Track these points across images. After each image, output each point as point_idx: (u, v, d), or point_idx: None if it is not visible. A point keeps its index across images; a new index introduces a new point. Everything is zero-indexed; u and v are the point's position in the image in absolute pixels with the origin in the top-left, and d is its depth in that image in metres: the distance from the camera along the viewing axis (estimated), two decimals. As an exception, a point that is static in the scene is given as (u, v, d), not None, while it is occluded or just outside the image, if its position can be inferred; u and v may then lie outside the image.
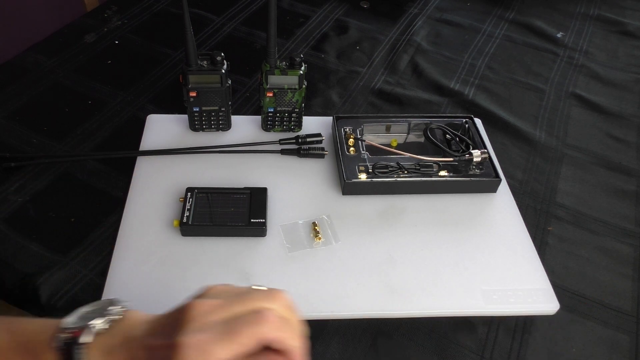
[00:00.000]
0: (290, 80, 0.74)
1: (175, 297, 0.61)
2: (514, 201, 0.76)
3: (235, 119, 0.82)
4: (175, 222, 0.66)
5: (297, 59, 0.73)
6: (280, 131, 0.82)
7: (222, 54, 0.72)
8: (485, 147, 0.77)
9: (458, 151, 0.76)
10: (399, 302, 0.62)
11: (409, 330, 0.62)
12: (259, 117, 0.82)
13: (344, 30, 1.08)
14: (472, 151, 0.74)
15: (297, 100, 0.77)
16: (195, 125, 0.79)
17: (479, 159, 0.74)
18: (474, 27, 1.13)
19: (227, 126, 0.81)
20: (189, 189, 0.69)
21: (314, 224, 0.69)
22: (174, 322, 0.38)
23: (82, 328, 0.40)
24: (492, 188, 0.75)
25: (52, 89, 0.88)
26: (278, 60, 0.73)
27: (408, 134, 0.82)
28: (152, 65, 0.94)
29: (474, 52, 1.06)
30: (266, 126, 0.81)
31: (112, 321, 0.41)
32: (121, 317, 0.42)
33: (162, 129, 0.81)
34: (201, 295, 0.43)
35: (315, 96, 0.92)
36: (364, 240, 0.68)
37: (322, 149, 0.78)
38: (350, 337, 0.61)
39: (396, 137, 0.81)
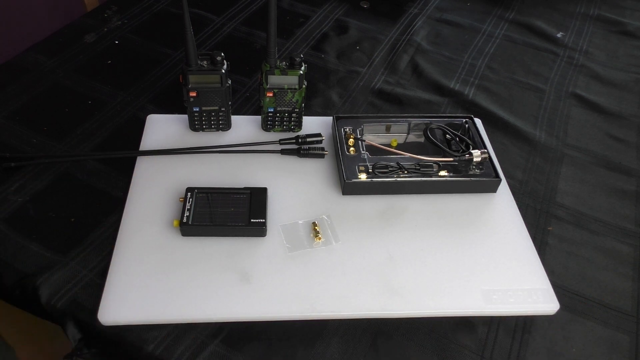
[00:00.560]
0: (290, 80, 0.74)
1: (175, 297, 0.61)
2: (514, 201, 0.76)
3: (235, 119, 0.82)
4: (175, 222, 0.66)
5: (297, 59, 0.73)
6: (280, 131, 0.81)
7: (222, 54, 0.72)
8: (485, 147, 0.77)
9: (458, 151, 0.76)
10: (399, 302, 0.62)
11: (409, 330, 0.62)
12: (259, 117, 0.82)
13: (344, 30, 1.08)
14: (472, 151, 0.74)
15: (297, 100, 0.77)
16: (195, 125, 0.79)
17: (479, 159, 0.74)
18: (474, 27, 1.13)
19: (227, 126, 0.81)
20: (189, 189, 0.69)
21: (314, 224, 0.69)
22: None
23: None
24: (492, 188, 0.75)
25: (52, 89, 0.88)
26: (278, 60, 0.73)
27: (408, 134, 0.82)
28: (152, 65, 0.94)
29: (474, 52, 1.06)
30: (266, 126, 0.81)
31: None
32: None
33: (162, 129, 0.81)
34: None
35: (315, 96, 0.92)
36: (364, 240, 0.68)
37: (322, 149, 0.78)
38: (350, 337, 0.61)
39: (396, 137, 0.81)
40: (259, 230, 0.67)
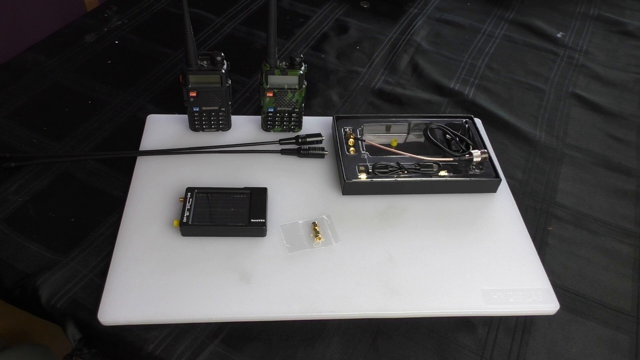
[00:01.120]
0: (290, 80, 0.74)
1: (175, 297, 0.61)
2: (514, 201, 0.76)
3: (235, 119, 0.82)
4: (175, 222, 0.66)
5: (297, 59, 0.73)
6: (280, 131, 0.81)
7: (222, 54, 0.72)
8: (485, 147, 0.77)
9: (458, 151, 0.76)
10: (399, 302, 0.62)
11: (409, 330, 0.62)
12: (259, 117, 0.82)
13: (344, 30, 1.08)
14: (472, 151, 0.74)
15: (297, 100, 0.77)
16: (195, 125, 0.79)
17: (479, 159, 0.74)
18: (474, 27, 1.13)
19: (227, 126, 0.81)
20: (189, 189, 0.69)
21: (314, 224, 0.69)
22: None
23: None
24: (492, 188, 0.75)
25: (52, 89, 0.88)
26: (278, 60, 0.73)
27: (408, 134, 0.82)
28: (152, 65, 0.94)
29: (474, 52, 1.06)
30: (266, 126, 0.81)
31: None
32: None
33: (162, 129, 0.81)
34: None
35: (315, 96, 0.92)
36: (364, 240, 0.68)
37: (322, 149, 0.78)
38: (350, 337, 0.61)
39: (396, 137, 0.81)
40: (259, 230, 0.67)
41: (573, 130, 0.91)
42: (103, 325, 0.59)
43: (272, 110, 0.78)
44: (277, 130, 0.81)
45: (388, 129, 0.81)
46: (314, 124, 0.83)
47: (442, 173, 0.74)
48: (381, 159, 0.75)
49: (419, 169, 0.73)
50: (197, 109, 0.77)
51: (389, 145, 0.78)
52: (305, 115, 0.81)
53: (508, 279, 0.66)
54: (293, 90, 0.75)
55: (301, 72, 0.74)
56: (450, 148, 0.77)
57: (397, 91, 0.95)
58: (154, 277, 0.62)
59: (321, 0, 1.15)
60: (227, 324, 0.61)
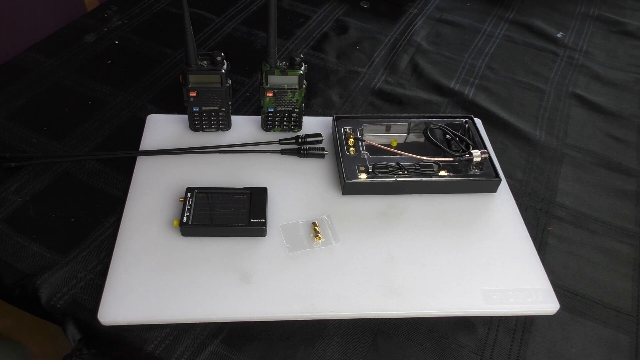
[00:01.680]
0: (290, 80, 0.74)
1: (175, 297, 0.61)
2: (514, 201, 0.76)
3: (235, 119, 0.82)
4: (175, 222, 0.66)
5: (297, 59, 0.73)
6: (280, 131, 0.81)
7: (222, 54, 0.72)
8: (485, 147, 0.77)
9: (458, 151, 0.76)
10: (399, 302, 0.62)
11: (409, 330, 0.62)
12: (259, 117, 0.82)
13: (344, 30, 1.08)
14: (472, 151, 0.74)
15: (297, 100, 0.77)
16: (195, 125, 0.79)
17: (479, 159, 0.74)
18: (474, 27, 1.13)
19: (227, 126, 0.81)
20: (189, 189, 0.69)
21: (314, 224, 0.69)
22: None
23: None
24: (492, 188, 0.75)
25: (52, 89, 0.88)
26: (278, 60, 0.73)
27: (408, 134, 0.82)
28: (152, 65, 0.94)
29: (474, 52, 1.06)
30: (266, 126, 0.81)
31: None
32: None
33: (162, 129, 0.81)
34: None
35: (315, 96, 0.92)
36: (364, 240, 0.68)
37: (322, 149, 0.78)
38: (350, 337, 0.61)
39: (396, 137, 0.81)
40: (259, 230, 0.67)
41: (573, 130, 0.91)
42: (103, 325, 0.59)
43: (272, 110, 0.78)
44: (277, 130, 0.81)
45: (388, 129, 0.81)
46: (314, 124, 0.83)
47: (442, 173, 0.74)
48: (381, 159, 0.75)
49: (419, 169, 0.73)
50: (197, 109, 0.77)
51: (389, 145, 0.78)
52: (305, 115, 0.81)
53: (508, 279, 0.66)
54: (293, 90, 0.75)
55: (301, 72, 0.74)
56: (450, 148, 0.77)
57: (397, 91, 0.95)
58: (154, 277, 0.62)
59: (321, 0, 1.15)
60: (227, 324, 0.61)
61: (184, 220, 0.66)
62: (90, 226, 0.69)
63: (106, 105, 0.86)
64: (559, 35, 1.13)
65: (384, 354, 0.60)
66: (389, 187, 0.73)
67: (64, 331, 0.61)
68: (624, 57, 1.09)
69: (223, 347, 0.59)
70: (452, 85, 0.97)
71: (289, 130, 0.81)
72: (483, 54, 1.06)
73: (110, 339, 0.59)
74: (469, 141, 0.77)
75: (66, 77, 0.90)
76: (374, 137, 0.80)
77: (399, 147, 0.79)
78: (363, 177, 0.72)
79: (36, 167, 0.75)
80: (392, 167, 0.73)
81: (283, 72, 0.73)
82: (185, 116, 0.79)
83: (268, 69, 0.73)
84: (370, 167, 0.73)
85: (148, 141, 0.78)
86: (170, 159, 0.76)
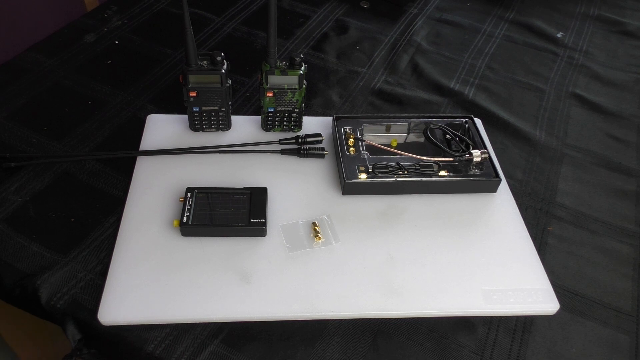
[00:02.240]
0: (290, 80, 0.74)
1: (175, 297, 0.61)
2: (514, 201, 0.76)
3: (235, 119, 0.82)
4: (175, 222, 0.66)
5: (297, 59, 0.73)
6: (280, 131, 0.81)
7: (222, 54, 0.72)
8: (485, 147, 0.77)
9: (458, 151, 0.76)
10: (399, 302, 0.62)
11: (409, 330, 0.62)
12: (259, 117, 0.82)
13: (344, 30, 1.08)
14: (472, 151, 0.74)
15: (297, 100, 0.77)
16: (195, 125, 0.79)
17: (479, 159, 0.74)
18: (474, 27, 1.13)
19: (227, 126, 0.81)
20: (189, 189, 0.69)
21: (314, 224, 0.69)
22: None
23: None
24: (492, 188, 0.75)
25: (52, 89, 0.88)
26: (278, 60, 0.73)
27: (408, 134, 0.82)
28: (152, 65, 0.94)
29: (474, 52, 1.06)
30: (266, 126, 0.81)
31: None
32: None
33: (162, 129, 0.81)
34: None
35: (315, 96, 0.92)
36: (364, 240, 0.68)
37: (322, 149, 0.78)
38: (350, 337, 0.61)
39: (396, 137, 0.81)
40: (259, 230, 0.67)
41: (573, 130, 0.91)
42: (103, 325, 0.59)
43: (272, 110, 0.78)
44: (277, 130, 0.81)
45: (388, 129, 0.81)
46: (314, 124, 0.83)
47: (442, 173, 0.74)
48: (381, 159, 0.75)
49: (419, 169, 0.73)
50: (197, 109, 0.77)
51: (389, 145, 0.78)
52: (305, 115, 0.81)
53: (508, 279, 0.66)
54: (293, 90, 0.75)
55: (301, 72, 0.74)
56: (450, 148, 0.77)
57: (397, 91, 0.95)
58: (154, 277, 0.62)
59: (321, 0, 1.15)
60: (227, 324, 0.61)
61: (184, 220, 0.66)
62: (90, 226, 0.69)
63: (106, 105, 0.86)
64: (559, 35, 1.13)
65: (384, 354, 0.60)
66: (389, 187, 0.73)
67: (64, 331, 0.61)
68: (624, 57, 1.09)
69: (223, 347, 0.59)
70: (452, 85, 0.97)
71: (289, 130, 0.81)
72: (483, 54, 1.06)
73: (110, 339, 0.59)
74: (469, 141, 0.77)
75: (66, 77, 0.90)
76: (374, 137, 0.80)
77: (399, 147, 0.79)
78: (363, 177, 0.72)
79: (36, 167, 0.75)
80: (392, 167, 0.73)
81: (283, 72, 0.73)
82: (185, 116, 0.79)
83: (268, 69, 0.73)
84: (370, 167, 0.73)
85: (148, 141, 0.78)
86: (170, 159, 0.76)
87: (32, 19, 0.98)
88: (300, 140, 0.78)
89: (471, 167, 0.75)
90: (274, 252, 0.66)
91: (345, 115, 0.81)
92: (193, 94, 0.74)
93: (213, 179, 0.74)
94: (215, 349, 0.58)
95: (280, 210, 0.71)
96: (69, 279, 0.63)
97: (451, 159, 0.74)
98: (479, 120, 0.87)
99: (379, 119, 0.81)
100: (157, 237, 0.66)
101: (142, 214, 0.69)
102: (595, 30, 1.16)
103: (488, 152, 0.75)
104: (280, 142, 0.79)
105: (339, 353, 0.59)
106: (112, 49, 0.97)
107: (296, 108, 0.78)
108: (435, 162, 0.74)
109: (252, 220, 0.67)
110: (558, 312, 0.64)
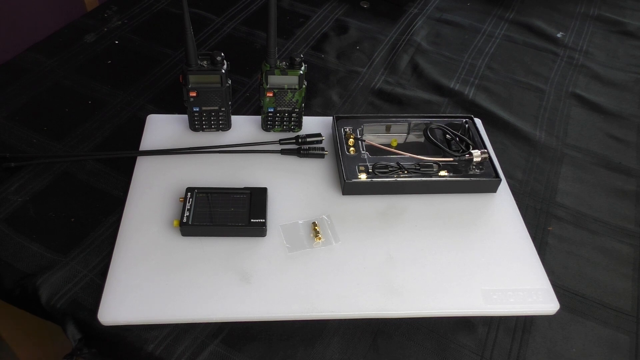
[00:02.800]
0: (290, 80, 0.74)
1: (175, 297, 0.61)
2: (514, 201, 0.76)
3: (235, 119, 0.82)
4: (175, 222, 0.66)
5: (297, 59, 0.73)
6: (280, 131, 0.81)
7: (222, 54, 0.72)
8: (485, 147, 0.77)
9: (458, 151, 0.76)
10: (399, 302, 0.62)
11: (409, 330, 0.62)
12: (259, 117, 0.82)
13: (344, 30, 1.08)
14: (472, 151, 0.74)
15: (297, 100, 0.77)
16: (195, 125, 0.79)
17: (479, 159, 0.74)
18: (474, 27, 1.13)
19: (227, 126, 0.81)
20: (189, 189, 0.69)
21: (314, 224, 0.69)
22: None
23: None
24: (492, 188, 0.75)
25: (52, 89, 0.88)
26: (278, 60, 0.73)
27: (408, 134, 0.82)
28: (152, 65, 0.94)
29: (474, 52, 1.06)
30: (266, 126, 0.81)
31: None
32: None
33: (162, 129, 0.81)
34: None
35: (315, 96, 0.92)
36: (364, 240, 0.68)
37: (322, 149, 0.78)
38: (350, 337, 0.61)
39: (396, 137, 0.81)
40: (259, 230, 0.67)
41: (573, 130, 0.91)
42: (103, 325, 0.59)
43: (272, 110, 0.78)
44: (277, 130, 0.81)
45: (388, 129, 0.81)
46: (314, 124, 0.83)
47: (442, 173, 0.74)
48: (381, 159, 0.75)
49: (419, 169, 0.73)
50: (197, 109, 0.77)
51: (389, 145, 0.78)
52: (305, 115, 0.81)
53: (508, 279, 0.66)
54: (293, 90, 0.75)
55: (301, 72, 0.74)
56: (450, 148, 0.77)
57: (397, 91, 0.95)
58: (154, 277, 0.62)
59: (321, 0, 1.15)
60: (227, 324, 0.61)
61: (184, 220, 0.66)
62: (90, 226, 0.69)
63: (106, 105, 0.86)
64: (559, 35, 1.13)
65: (384, 354, 0.60)
66: (389, 187, 0.73)
67: (64, 331, 0.61)
68: (624, 57, 1.09)
69: (223, 347, 0.59)
70: (452, 85, 0.97)
71: (289, 130, 0.81)
72: (483, 54, 1.06)
73: (110, 339, 0.59)
74: (469, 141, 0.77)
75: (66, 77, 0.90)
76: (374, 137, 0.80)
77: (399, 147, 0.79)
78: (363, 177, 0.72)
79: (36, 167, 0.75)
80: (392, 167, 0.73)
81: (283, 72, 0.73)
82: (185, 116, 0.79)
83: (268, 69, 0.73)
84: (370, 167, 0.73)
85: (148, 141, 0.78)
86: (170, 159, 0.76)
87: (32, 19, 0.98)
88: (300, 140, 0.78)
89: (471, 167, 0.75)
90: (274, 252, 0.66)
91: (345, 115, 0.81)
92: (193, 94, 0.74)
93: (213, 179, 0.74)
94: (215, 349, 0.58)
95: (280, 210, 0.71)
96: (69, 279, 0.63)
97: (451, 159, 0.74)
98: (479, 120, 0.87)
99: (379, 119, 0.81)
100: (157, 237, 0.66)
101: (142, 214, 0.69)
102: (595, 30, 1.16)
103: (488, 152, 0.75)
104: (280, 142, 0.79)
105: (339, 353, 0.59)
106: (112, 49, 0.97)
107: (296, 108, 0.78)
108: (435, 162, 0.74)
109: (252, 220, 0.67)
110: (558, 312, 0.64)
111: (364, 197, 0.73)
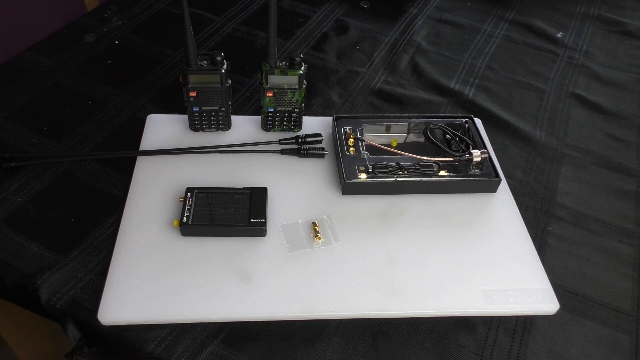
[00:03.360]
0: (290, 80, 0.74)
1: (175, 297, 0.61)
2: (514, 201, 0.76)
3: (235, 119, 0.82)
4: (175, 222, 0.66)
5: (297, 59, 0.73)
6: (280, 131, 0.81)
7: (222, 54, 0.72)
8: (485, 147, 0.77)
9: (458, 151, 0.76)
10: (399, 302, 0.62)
11: (409, 330, 0.62)
12: (259, 117, 0.82)
13: (344, 30, 1.08)
14: (472, 151, 0.74)
15: (297, 100, 0.77)
16: (195, 125, 0.79)
17: (479, 159, 0.74)
18: (474, 27, 1.13)
19: (227, 126, 0.81)
20: (189, 189, 0.69)
21: (314, 224, 0.69)
22: None
23: None
24: (492, 188, 0.75)
25: (52, 89, 0.88)
26: (278, 60, 0.73)
27: (408, 134, 0.82)
28: (152, 65, 0.94)
29: (474, 52, 1.06)
30: (266, 126, 0.81)
31: None
32: None
33: (162, 129, 0.81)
34: None
35: (315, 96, 0.92)
36: (364, 240, 0.68)
37: (322, 149, 0.78)
38: (350, 337, 0.61)
39: (396, 137, 0.81)
40: (259, 230, 0.67)
41: (573, 130, 0.91)
42: (103, 325, 0.59)
43: (272, 110, 0.78)
44: (277, 130, 0.81)
45: (388, 129, 0.81)
46: (314, 124, 0.83)
47: (442, 173, 0.74)
48: (381, 159, 0.75)
49: (419, 169, 0.73)
50: (197, 109, 0.77)
51: (389, 145, 0.78)
52: (305, 115, 0.81)
53: (508, 279, 0.66)
54: (293, 90, 0.75)
55: (301, 72, 0.74)
56: (450, 148, 0.77)
57: (397, 91, 0.95)
58: (154, 277, 0.62)
59: (321, 0, 1.15)
60: (227, 324, 0.61)
61: (184, 220, 0.66)
62: (90, 226, 0.69)
63: (106, 105, 0.86)
64: (559, 35, 1.13)
65: (384, 354, 0.60)
66: (389, 187, 0.73)
67: (65, 331, 0.61)
68: (624, 57, 1.09)
69: (223, 347, 0.59)
70: (452, 85, 0.97)
71: (289, 130, 0.81)
72: (483, 54, 1.06)
73: (110, 339, 0.59)
74: (469, 141, 0.77)
75: (66, 77, 0.90)
76: (374, 137, 0.80)
77: (399, 147, 0.79)
78: (363, 177, 0.72)
79: (36, 167, 0.75)
80: (392, 167, 0.73)
81: (283, 72, 0.73)
82: (185, 116, 0.79)
83: (268, 69, 0.73)
84: (370, 167, 0.73)
85: (148, 141, 0.78)
86: (170, 159, 0.77)
87: (32, 19, 0.98)
88: (300, 140, 0.78)
89: (471, 167, 0.75)
90: (274, 252, 0.66)
91: (345, 115, 0.81)
92: (193, 94, 0.74)
93: (213, 179, 0.74)
94: (215, 349, 0.58)
95: (280, 210, 0.71)
96: (69, 279, 0.63)
97: (451, 159, 0.74)
98: (479, 120, 0.87)
99: (379, 119, 0.81)
100: (157, 237, 0.66)
101: (142, 214, 0.69)
102: (595, 30, 1.16)
103: (488, 152, 0.75)
104: (280, 142, 0.79)
105: (339, 353, 0.59)
106: (112, 49, 0.97)
107: (296, 108, 0.78)
108: (435, 162, 0.74)
109: (252, 220, 0.67)
110: (558, 312, 0.64)
111: (364, 197, 0.74)
